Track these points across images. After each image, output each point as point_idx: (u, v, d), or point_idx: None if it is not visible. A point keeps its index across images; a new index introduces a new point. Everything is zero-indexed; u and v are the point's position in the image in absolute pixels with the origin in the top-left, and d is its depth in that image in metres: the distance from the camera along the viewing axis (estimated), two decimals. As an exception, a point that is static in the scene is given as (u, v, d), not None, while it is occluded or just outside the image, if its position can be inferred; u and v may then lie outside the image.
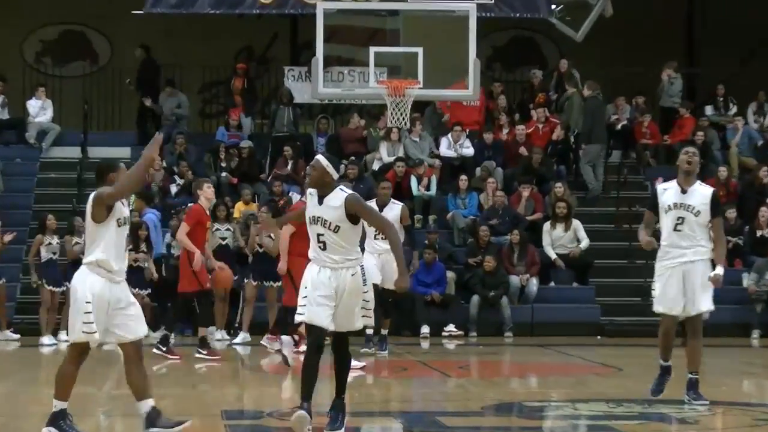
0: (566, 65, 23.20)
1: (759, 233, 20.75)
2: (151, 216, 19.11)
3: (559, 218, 20.63)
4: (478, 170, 22.09)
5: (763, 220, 20.71)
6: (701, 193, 10.71)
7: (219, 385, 13.24)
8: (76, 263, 17.93)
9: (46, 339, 17.99)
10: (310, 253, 9.02)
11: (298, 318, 8.93)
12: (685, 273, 10.57)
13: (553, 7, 21.64)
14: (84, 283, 8.44)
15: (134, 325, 8.52)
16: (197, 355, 15.17)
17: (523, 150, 22.36)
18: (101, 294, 8.39)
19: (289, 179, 21.38)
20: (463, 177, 21.40)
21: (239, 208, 20.22)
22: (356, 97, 20.61)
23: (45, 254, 18.29)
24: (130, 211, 12.66)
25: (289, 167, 21.84)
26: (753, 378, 14.78)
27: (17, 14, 25.17)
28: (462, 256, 20.53)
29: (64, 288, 17.51)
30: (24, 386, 12.99)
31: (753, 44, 24.43)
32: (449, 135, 22.33)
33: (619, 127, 23.42)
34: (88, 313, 8.34)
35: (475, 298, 19.70)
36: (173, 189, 21.53)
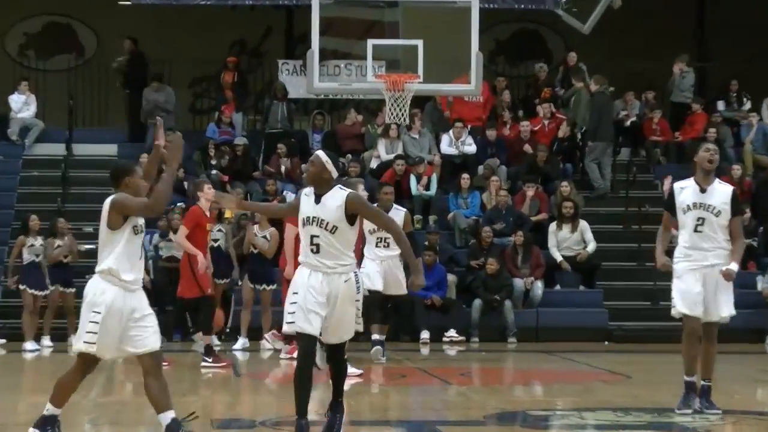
0: (575, 58, 23.22)
1: (774, 234, 20.87)
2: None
3: (565, 219, 20.59)
4: (480, 168, 22.09)
5: (778, 221, 20.84)
6: (721, 191, 10.45)
7: (210, 393, 13.04)
8: (57, 266, 17.82)
9: (29, 344, 17.78)
10: (300, 257, 8.79)
11: (286, 327, 8.72)
12: (706, 276, 10.35)
13: (559, -3, 21.48)
14: (96, 292, 8.31)
15: (149, 337, 8.37)
16: (203, 365, 14.69)
17: (527, 147, 22.29)
18: (114, 304, 8.26)
19: (284, 177, 21.33)
20: (465, 175, 21.38)
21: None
22: (353, 92, 20.45)
23: (27, 256, 18.08)
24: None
25: (283, 165, 21.68)
26: (767, 386, 14.72)
27: (-1, 5, 25.28)
28: (463, 258, 20.42)
29: (48, 291, 17.44)
30: (5, 393, 12.77)
31: (766, 36, 24.19)
32: (450, 132, 22.32)
33: (628, 123, 23.39)
34: (94, 323, 8.24)
35: (477, 302, 19.54)
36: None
